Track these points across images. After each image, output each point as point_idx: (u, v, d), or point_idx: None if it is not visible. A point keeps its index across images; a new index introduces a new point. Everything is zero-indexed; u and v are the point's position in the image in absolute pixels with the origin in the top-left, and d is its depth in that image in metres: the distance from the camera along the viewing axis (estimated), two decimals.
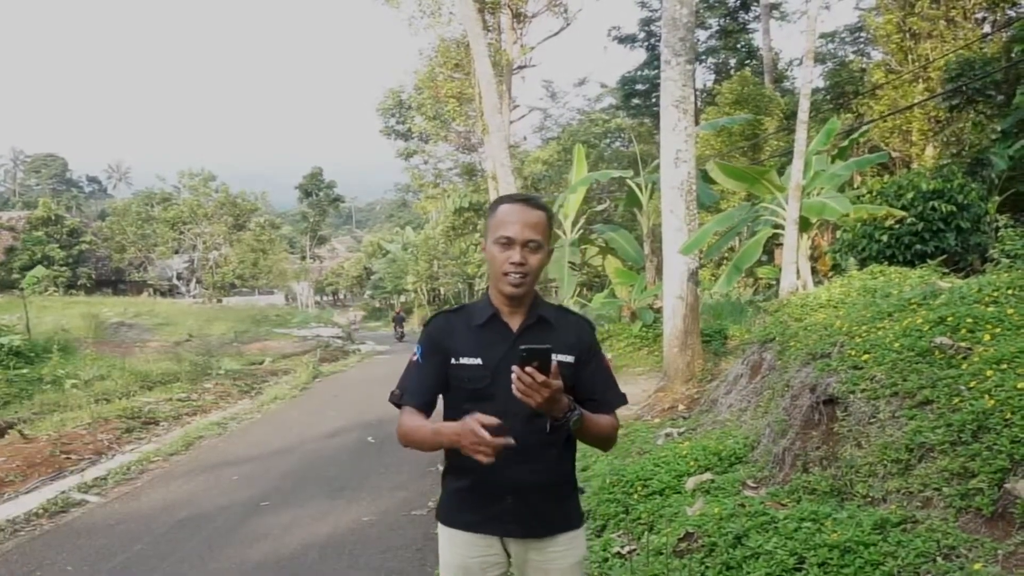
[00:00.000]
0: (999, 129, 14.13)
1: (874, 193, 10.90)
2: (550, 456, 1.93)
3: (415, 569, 4.28)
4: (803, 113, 8.51)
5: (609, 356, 11.42)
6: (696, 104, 15.39)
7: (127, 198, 57.54)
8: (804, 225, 8.71)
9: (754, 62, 28.62)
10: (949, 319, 4.02)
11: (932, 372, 3.63)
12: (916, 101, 16.40)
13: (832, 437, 3.94)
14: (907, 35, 17.10)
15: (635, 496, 4.52)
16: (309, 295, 55.42)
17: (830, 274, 11.68)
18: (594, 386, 1.99)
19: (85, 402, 9.91)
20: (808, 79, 9.02)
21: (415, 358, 1.99)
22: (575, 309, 13.40)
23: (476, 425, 1.65)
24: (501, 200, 1.98)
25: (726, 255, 16.28)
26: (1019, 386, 3.10)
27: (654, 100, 28.72)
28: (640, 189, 13.45)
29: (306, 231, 59.35)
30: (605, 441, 2.00)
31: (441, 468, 2.06)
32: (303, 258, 59.78)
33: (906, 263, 9.50)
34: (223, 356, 16.44)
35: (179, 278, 50.40)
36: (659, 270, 11.23)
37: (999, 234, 8.63)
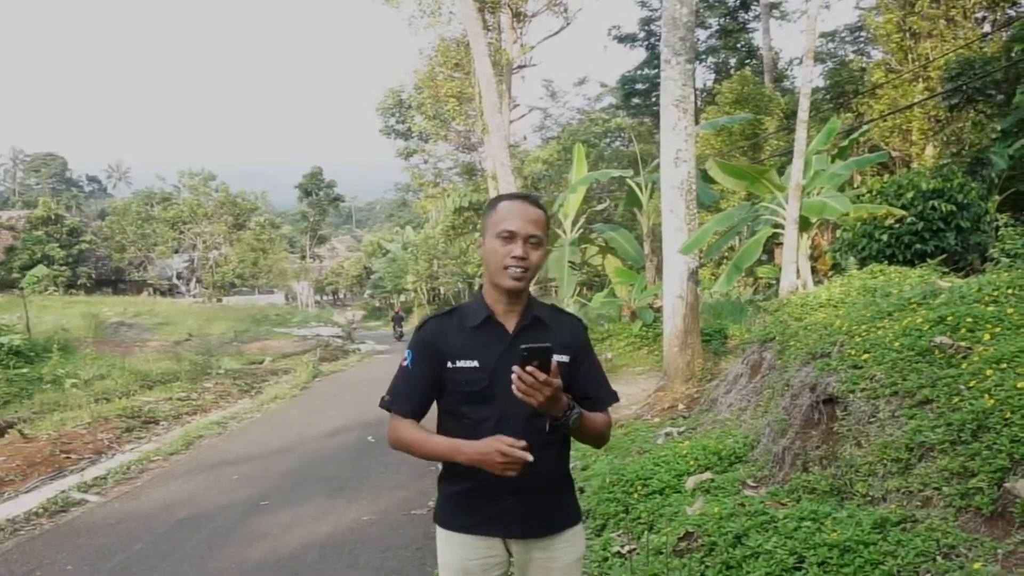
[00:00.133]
0: (999, 128, 14.13)
1: (874, 192, 10.90)
2: (549, 455, 1.93)
3: (415, 568, 4.28)
4: (803, 112, 8.51)
5: (609, 355, 11.44)
6: (696, 104, 15.40)
7: (127, 197, 57.52)
8: (804, 224, 8.71)
9: (754, 61, 28.61)
10: (949, 318, 4.02)
11: (932, 371, 3.63)
12: (916, 100, 16.40)
13: (832, 436, 3.94)
14: (907, 34, 17.10)
15: (635, 495, 4.52)
16: (309, 295, 55.40)
17: (830, 273, 11.68)
18: (588, 385, 2.00)
19: (85, 401, 9.92)
20: (808, 78, 9.02)
21: (405, 363, 1.99)
22: (569, 309, 13.41)
23: (503, 446, 1.73)
24: (501, 198, 1.99)
25: (726, 254, 16.28)
26: (1019, 385, 3.10)
27: (654, 99, 28.72)
28: (640, 188, 13.45)
29: (306, 230, 59.33)
30: (600, 438, 2.02)
31: (439, 469, 2.06)
32: (303, 257, 59.77)
33: (906, 262, 9.50)
34: (223, 355, 16.45)
35: (179, 278, 50.38)
36: (659, 269, 11.23)
37: (999, 233, 8.63)
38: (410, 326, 34.21)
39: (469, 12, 15.78)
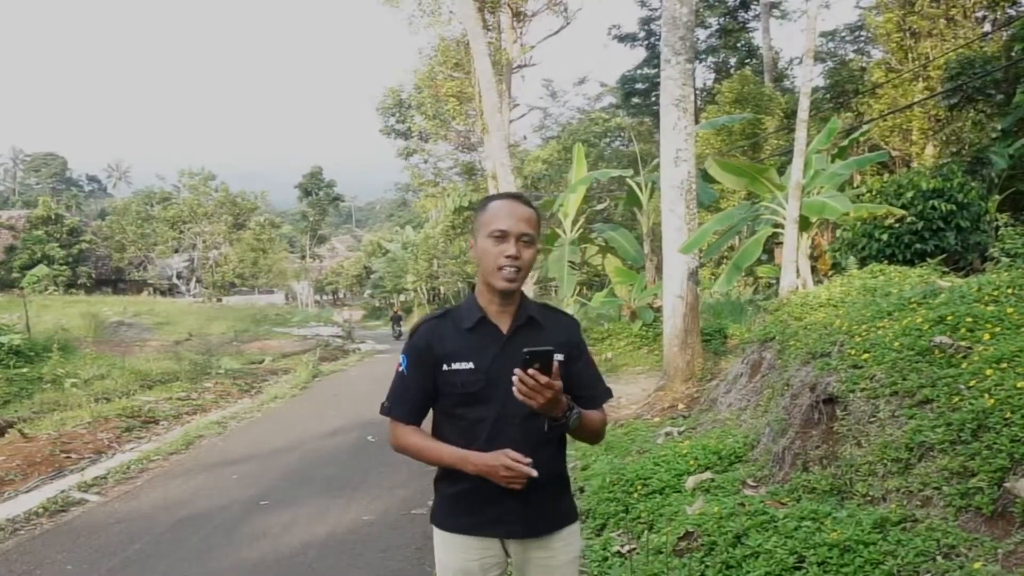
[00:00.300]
0: (999, 128, 14.13)
1: (874, 192, 10.90)
2: (547, 455, 1.93)
3: (414, 568, 4.28)
4: (803, 112, 8.50)
5: (609, 355, 11.44)
6: (696, 103, 15.39)
7: (127, 197, 57.45)
8: (804, 224, 8.70)
9: (754, 61, 28.62)
10: (949, 318, 4.01)
11: (932, 371, 3.63)
12: (916, 100, 16.40)
13: (832, 436, 3.94)
14: (907, 34, 17.10)
15: (635, 495, 4.52)
16: (309, 294, 55.38)
17: (830, 273, 11.68)
18: (583, 382, 2.00)
19: (85, 401, 9.91)
20: (808, 78, 9.01)
21: (400, 368, 1.99)
22: (569, 309, 13.31)
23: (508, 460, 1.77)
24: (491, 198, 1.99)
25: (726, 254, 16.28)
26: (1019, 385, 3.10)
27: (654, 99, 28.71)
28: (640, 188, 13.45)
29: (306, 230, 59.32)
30: (596, 436, 2.04)
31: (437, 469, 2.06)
32: (303, 257, 59.76)
33: (906, 262, 9.50)
34: (223, 355, 16.44)
35: (179, 277, 50.36)
36: (659, 269, 11.23)
37: (999, 233, 8.64)
38: (409, 326, 34.20)
39: (469, 12, 15.78)
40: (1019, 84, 13.91)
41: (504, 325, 1.94)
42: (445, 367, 1.91)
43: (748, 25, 30.14)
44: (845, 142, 11.26)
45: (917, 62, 17.00)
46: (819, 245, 12.85)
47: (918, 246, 9.88)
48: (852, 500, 3.46)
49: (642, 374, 10.27)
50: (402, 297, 47.10)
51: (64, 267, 42.28)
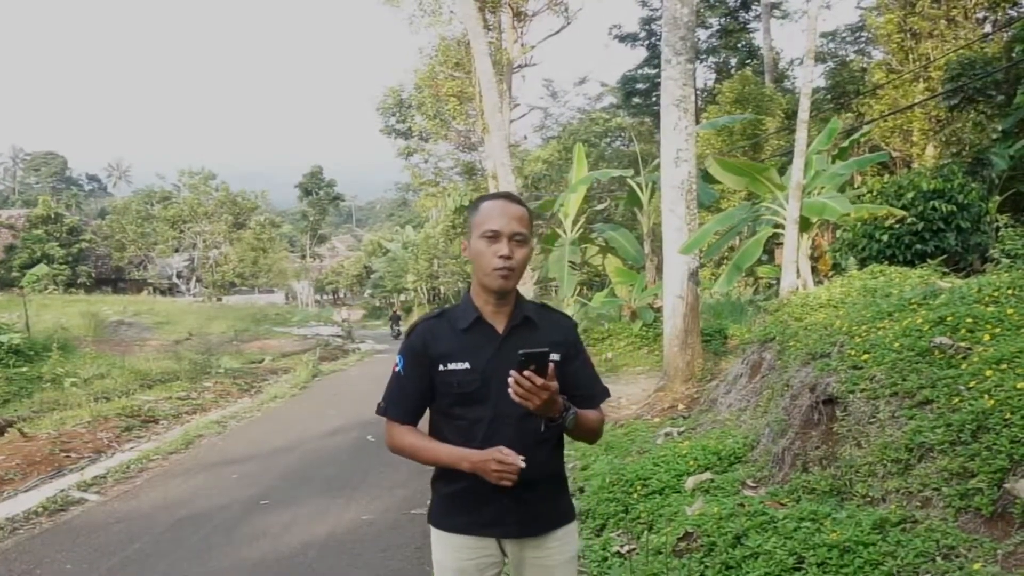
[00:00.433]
0: (1000, 129, 14.13)
1: (874, 193, 10.90)
2: (543, 455, 1.93)
3: (414, 567, 4.28)
4: (804, 112, 8.50)
5: (609, 355, 11.44)
6: (697, 103, 15.37)
7: (127, 196, 57.39)
8: (804, 225, 8.71)
9: (755, 61, 28.62)
10: (949, 319, 4.01)
11: (932, 372, 3.63)
12: (917, 101, 16.40)
13: (832, 437, 3.94)
14: (908, 34, 17.10)
15: (635, 495, 4.52)
16: (309, 294, 55.39)
17: (830, 274, 11.68)
18: (579, 382, 2.00)
19: (85, 400, 9.91)
20: (809, 78, 9.01)
21: (397, 368, 1.99)
22: (570, 309, 13.28)
23: (499, 454, 1.76)
24: (483, 198, 1.99)
25: (726, 254, 16.27)
26: (1019, 386, 3.10)
27: (655, 99, 28.71)
28: (640, 188, 13.45)
29: (306, 230, 59.31)
30: (594, 435, 2.03)
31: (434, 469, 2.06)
32: (303, 257, 59.74)
33: (906, 263, 9.50)
34: (223, 355, 16.44)
35: (179, 276, 50.36)
36: (659, 269, 11.24)
37: (999, 234, 8.65)
38: (407, 326, 34.18)
39: (469, 11, 15.78)
40: (1020, 85, 13.91)
41: (500, 325, 1.94)
42: (441, 367, 1.92)
43: (749, 25, 30.17)
44: (846, 143, 11.26)
45: (918, 63, 17.00)
46: (819, 246, 12.85)
47: (918, 247, 9.88)
48: (852, 501, 3.46)
49: (642, 374, 10.27)
50: (402, 297, 47.10)
51: (64, 266, 42.29)
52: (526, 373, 1.69)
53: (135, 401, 10.44)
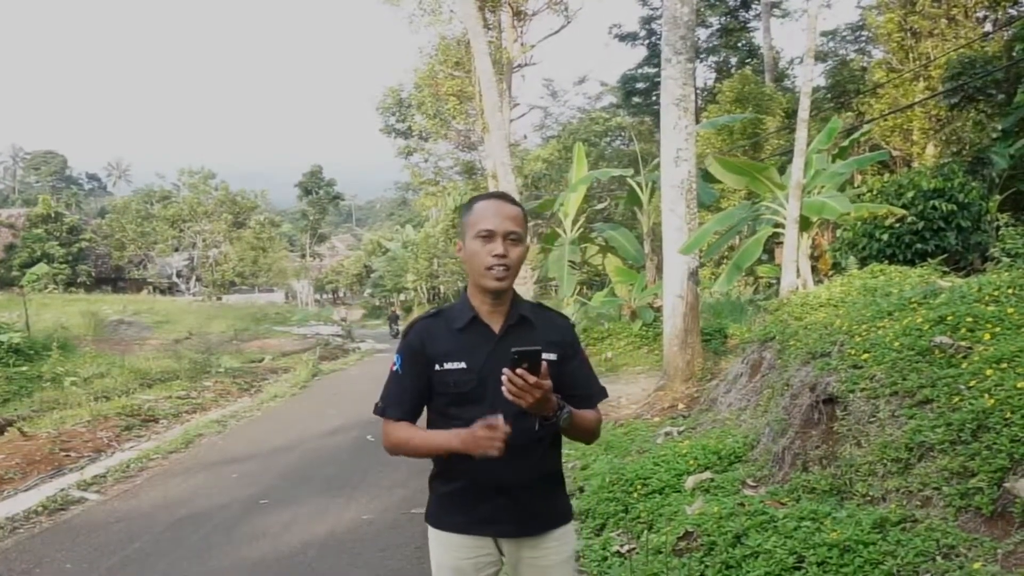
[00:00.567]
0: (1000, 128, 14.13)
1: (875, 192, 10.89)
2: (539, 454, 1.93)
3: (414, 567, 4.28)
4: (804, 111, 8.50)
5: (609, 355, 11.44)
6: (697, 103, 15.37)
7: (127, 196, 57.36)
8: (804, 224, 8.70)
9: (755, 60, 28.61)
10: (949, 318, 4.01)
11: (932, 371, 3.63)
12: (917, 100, 16.40)
13: (832, 436, 3.94)
14: (908, 33, 17.10)
15: (635, 495, 4.52)
16: (309, 293, 55.39)
17: (830, 273, 11.67)
18: (577, 382, 1.99)
19: (85, 400, 9.91)
20: (809, 77, 9.01)
21: (394, 368, 1.99)
22: (569, 308, 13.26)
23: (484, 421, 1.74)
24: (476, 198, 1.98)
25: (726, 254, 16.27)
26: (1019, 385, 3.10)
27: (655, 98, 28.69)
28: (640, 188, 13.44)
29: (306, 229, 59.31)
30: (591, 435, 2.02)
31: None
32: (303, 256, 59.74)
33: (906, 262, 9.49)
34: (223, 354, 16.44)
35: (179, 276, 50.35)
36: (659, 269, 11.23)
37: (1000, 233, 8.64)
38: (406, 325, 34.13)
39: (469, 10, 15.77)
40: (1020, 84, 13.91)
41: (496, 325, 1.94)
42: (438, 367, 1.91)
43: (749, 25, 30.15)
44: (846, 142, 11.26)
45: (918, 62, 17.00)
46: (820, 245, 12.84)
47: (919, 246, 9.88)
48: (852, 500, 3.46)
49: (642, 374, 10.27)
50: (402, 296, 47.08)
51: (64, 265, 42.29)
52: (519, 371, 1.68)
53: (135, 400, 10.44)
